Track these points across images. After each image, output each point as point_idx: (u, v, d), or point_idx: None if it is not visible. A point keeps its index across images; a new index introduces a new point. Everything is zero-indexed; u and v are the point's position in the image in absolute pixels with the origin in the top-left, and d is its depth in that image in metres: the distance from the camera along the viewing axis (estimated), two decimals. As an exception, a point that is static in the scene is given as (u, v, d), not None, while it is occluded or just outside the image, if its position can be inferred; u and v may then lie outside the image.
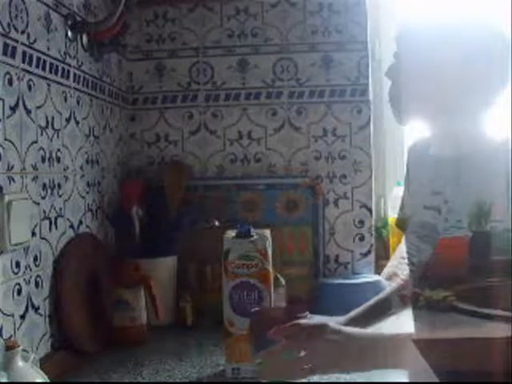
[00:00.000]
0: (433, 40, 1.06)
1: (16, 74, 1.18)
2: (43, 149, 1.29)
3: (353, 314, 1.41)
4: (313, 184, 1.82)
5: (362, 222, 1.84)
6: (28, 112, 1.22)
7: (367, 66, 1.84)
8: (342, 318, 1.40)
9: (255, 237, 1.29)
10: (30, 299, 1.22)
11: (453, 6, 1.09)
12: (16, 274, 1.16)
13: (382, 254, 1.86)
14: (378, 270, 1.82)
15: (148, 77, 1.91)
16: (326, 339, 1.03)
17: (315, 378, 1.18)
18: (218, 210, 1.79)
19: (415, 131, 1.74)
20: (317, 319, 1.40)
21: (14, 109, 1.16)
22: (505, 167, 0.99)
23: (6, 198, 1.10)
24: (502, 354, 0.88)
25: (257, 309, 1.20)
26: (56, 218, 1.35)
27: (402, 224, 1.30)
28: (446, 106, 1.08)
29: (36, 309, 1.24)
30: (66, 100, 1.41)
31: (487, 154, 1.03)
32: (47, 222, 1.31)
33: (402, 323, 1.21)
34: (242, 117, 1.88)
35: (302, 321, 1.08)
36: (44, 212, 1.29)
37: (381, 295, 1.43)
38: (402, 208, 1.30)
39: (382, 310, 1.39)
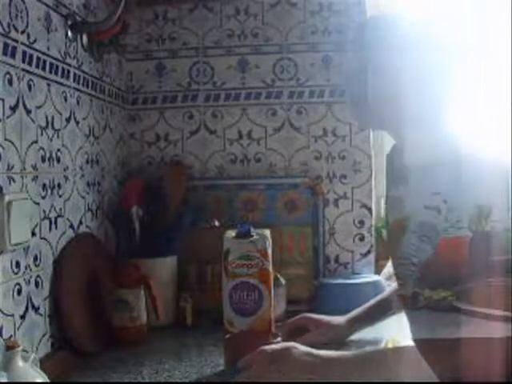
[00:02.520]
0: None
1: (16, 74, 1.18)
2: (43, 149, 1.29)
3: (353, 313, 1.41)
4: (313, 184, 1.82)
5: (362, 222, 1.84)
6: (28, 112, 1.22)
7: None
8: (343, 318, 1.40)
9: (255, 237, 1.29)
10: (30, 299, 1.22)
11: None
12: (16, 273, 1.16)
13: (382, 254, 1.86)
14: (378, 269, 1.82)
15: (148, 77, 1.91)
16: (295, 361, 1.04)
17: (316, 379, 1.18)
18: (218, 209, 1.79)
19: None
20: (317, 318, 1.41)
21: (14, 109, 1.16)
22: (504, 167, 0.99)
23: (6, 198, 1.10)
24: (502, 354, 0.88)
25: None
26: (56, 218, 1.35)
27: (396, 226, 1.30)
28: (396, 117, 1.11)
29: (36, 309, 1.24)
30: (66, 100, 1.41)
31: (453, 161, 1.04)
32: (47, 221, 1.31)
33: (402, 323, 1.21)
34: (242, 117, 1.88)
35: (268, 346, 1.09)
36: (44, 212, 1.29)
37: (381, 296, 1.43)
38: (395, 210, 1.29)
39: (383, 310, 1.40)
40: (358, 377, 1.01)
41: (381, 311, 1.41)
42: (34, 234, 1.24)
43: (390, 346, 1.35)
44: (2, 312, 1.11)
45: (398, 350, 1.11)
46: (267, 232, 1.32)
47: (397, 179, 1.20)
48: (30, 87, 1.23)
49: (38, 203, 1.26)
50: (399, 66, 1.07)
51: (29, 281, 1.22)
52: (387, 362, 1.03)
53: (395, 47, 1.07)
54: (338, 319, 1.40)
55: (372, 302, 1.43)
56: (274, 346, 1.10)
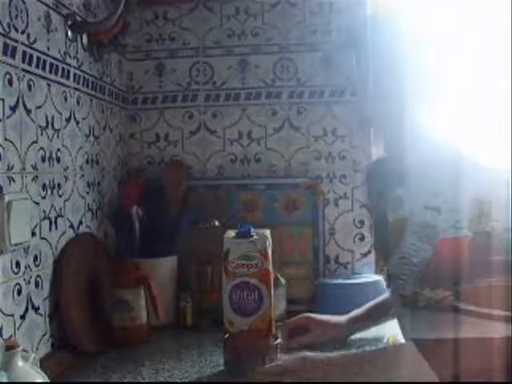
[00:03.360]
0: None
1: (16, 74, 1.18)
2: (43, 149, 1.29)
3: (354, 313, 1.41)
4: (313, 184, 1.82)
5: (362, 222, 1.84)
6: (28, 112, 1.22)
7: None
8: (343, 317, 1.40)
9: (255, 237, 1.29)
10: (30, 299, 1.22)
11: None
12: (16, 273, 1.16)
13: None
14: (378, 270, 1.82)
15: (148, 77, 1.91)
16: (309, 371, 1.05)
17: (316, 379, 1.18)
18: (217, 209, 1.79)
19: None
20: (318, 317, 1.41)
21: (14, 109, 1.16)
22: (504, 167, 0.99)
23: (6, 198, 1.10)
24: (502, 354, 0.88)
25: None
26: (56, 218, 1.35)
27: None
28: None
29: (36, 309, 1.24)
30: (66, 100, 1.41)
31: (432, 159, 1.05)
32: (47, 221, 1.31)
33: (402, 323, 1.21)
34: (242, 117, 1.88)
35: (285, 358, 1.10)
36: (44, 212, 1.29)
37: (382, 297, 1.43)
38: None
39: (384, 310, 1.40)
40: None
41: (382, 312, 1.41)
42: (34, 234, 1.24)
43: (391, 342, 1.35)
44: (2, 312, 1.11)
45: (398, 349, 1.11)
46: (267, 232, 1.32)
47: (394, 184, 1.20)
48: (29, 87, 1.23)
49: (37, 203, 1.26)
50: (395, 64, 1.08)
51: (29, 281, 1.22)
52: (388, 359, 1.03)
53: (390, 46, 1.08)
54: (339, 318, 1.40)
55: (373, 302, 1.43)
56: (288, 358, 1.11)
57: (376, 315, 1.41)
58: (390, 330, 1.41)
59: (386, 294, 1.45)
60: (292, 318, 1.42)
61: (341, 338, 1.38)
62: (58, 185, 1.37)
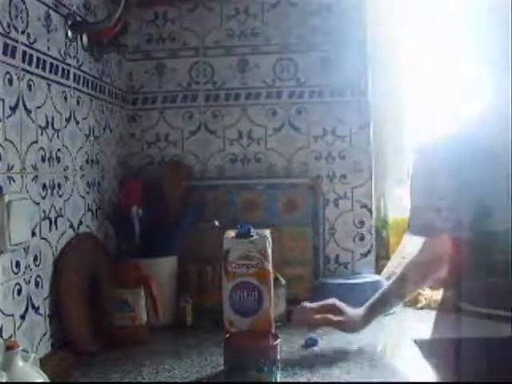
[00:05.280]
0: None
1: (16, 74, 1.18)
2: (43, 149, 1.29)
3: (369, 303, 1.39)
4: (313, 184, 1.82)
5: (362, 222, 1.84)
6: (28, 112, 1.22)
7: (367, 66, 1.84)
8: (359, 313, 1.38)
9: (255, 237, 1.29)
10: (30, 299, 1.22)
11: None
12: (16, 274, 1.16)
13: (382, 254, 1.86)
14: (378, 269, 1.82)
15: (148, 77, 1.91)
16: None
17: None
18: (218, 209, 1.79)
19: (414, 133, 1.77)
20: (342, 306, 1.39)
21: (14, 109, 1.16)
22: (504, 166, 0.99)
23: (6, 198, 1.10)
24: (502, 354, 0.89)
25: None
26: (56, 218, 1.35)
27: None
28: None
29: (36, 309, 1.24)
30: (66, 100, 1.41)
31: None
32: (47, 221, 1.31)
33: (402, 321, 1.22)
34: (242, 117, 1.88)
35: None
36: (44, 212, 1.29)
37: (390, 282, 1.41)
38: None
39: (395, 295, 1.38)
40: None
41: (394, 297, 1.38)
42: (34, 234, 1.24)
43: (389, 350, 1.34)
44: (2, 312, 1.11)
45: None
46: (267, 232, 1.32)
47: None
48: (30, 87, 1.23)
49: (38, 203, 1.26)
50: None
51: (29, 281, 1.22)
52: None
53: None
54: (356, 314, 1.37)
55: (384, 289, 1.41)
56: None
57: (388, 302, 1.38)
58: (390, 338, 1.41)
59: (389, 285, 1.43)
60: (322, 301, 1.40)
61: (355, 329, 1.36)
62: (58, 185, 1.37)
